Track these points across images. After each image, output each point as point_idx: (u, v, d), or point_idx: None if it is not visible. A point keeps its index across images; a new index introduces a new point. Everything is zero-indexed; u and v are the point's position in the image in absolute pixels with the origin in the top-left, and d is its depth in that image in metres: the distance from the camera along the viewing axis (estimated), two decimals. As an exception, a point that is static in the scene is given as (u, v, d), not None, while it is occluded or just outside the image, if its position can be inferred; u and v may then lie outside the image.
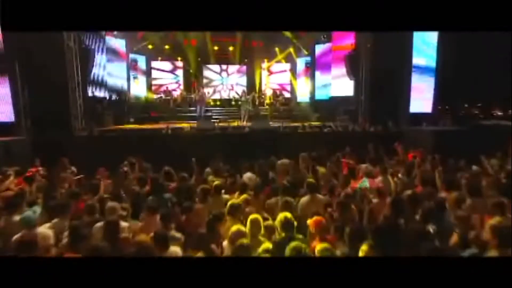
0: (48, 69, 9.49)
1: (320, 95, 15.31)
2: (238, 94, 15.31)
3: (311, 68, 15.98)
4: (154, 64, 16.70)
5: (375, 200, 4.28)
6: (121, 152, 6.67)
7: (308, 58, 16.13)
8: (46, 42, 9.42)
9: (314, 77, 15.67)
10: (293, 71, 17.19)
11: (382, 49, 10.88)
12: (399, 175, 5.75)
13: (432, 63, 12.15)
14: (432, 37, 11.96)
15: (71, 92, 10.07)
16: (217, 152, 6.75)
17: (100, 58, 12.80)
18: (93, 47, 11.96)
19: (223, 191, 4.65)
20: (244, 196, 4.26)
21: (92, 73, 12.07)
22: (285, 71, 17.44)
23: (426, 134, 9.09)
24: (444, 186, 4.49)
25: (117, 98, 13.84)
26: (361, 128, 10.33)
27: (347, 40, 13.53)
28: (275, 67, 17.52)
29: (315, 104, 15.30)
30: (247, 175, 5.60)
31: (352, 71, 12.71)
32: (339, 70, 13.90)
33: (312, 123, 12.68)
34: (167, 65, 17.02)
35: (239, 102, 11.59)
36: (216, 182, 4.75)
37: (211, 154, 6.66)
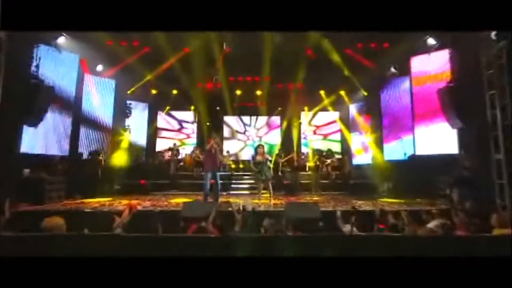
0: None
1: (393, 154, 9.94)
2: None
3: (373, 116, 10.98)
4: (160, 115, 12.92)
5: None
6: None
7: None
8: None
9: (380, 128, 10.52)
10: (344, 121, 12.35)
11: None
12: None
13: None
14: None
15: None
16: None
17: (64, 98, 8.83)
18: (50, 82, 8.03)
19: None
20: None
21: (45, 120, 7.96)
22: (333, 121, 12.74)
23: None
24: None
25: (90, 156, 9.56)
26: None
27: (437, 68, 8.57)
28: (320, 116, 12.89)
29: (385, 167, 9.85)
30: None
31: (456, 114, 7.46)
32: (428, 114, 8.74)
33: (395, 200, 7.42)
34: (177, 118, 13.21)
35: (255, 167, 6.50)
36: None
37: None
